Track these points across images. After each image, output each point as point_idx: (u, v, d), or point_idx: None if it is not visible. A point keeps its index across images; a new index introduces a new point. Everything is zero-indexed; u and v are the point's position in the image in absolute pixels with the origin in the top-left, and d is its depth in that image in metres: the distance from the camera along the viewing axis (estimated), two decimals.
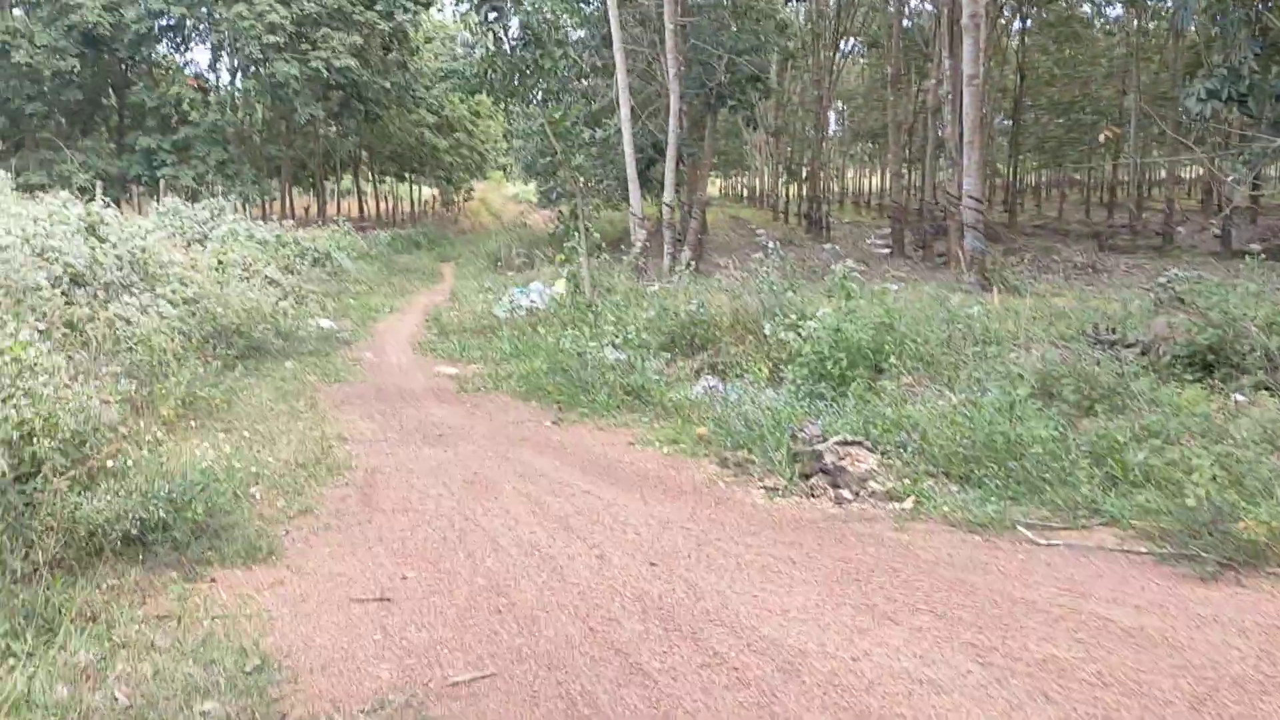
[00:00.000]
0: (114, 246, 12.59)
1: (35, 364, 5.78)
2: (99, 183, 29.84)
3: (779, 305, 12.71)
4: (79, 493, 5.40)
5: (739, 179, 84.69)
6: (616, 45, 21.24)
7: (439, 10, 49.90)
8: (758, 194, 77.65)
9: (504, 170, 51.99)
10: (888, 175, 79.39)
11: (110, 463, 5.68)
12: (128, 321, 10.97)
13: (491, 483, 7.45)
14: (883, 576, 5.32)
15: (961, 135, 20.25)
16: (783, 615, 4.80)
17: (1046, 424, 7.25)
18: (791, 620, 4.74)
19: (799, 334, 10.36)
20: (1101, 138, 21.79)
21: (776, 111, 56.29)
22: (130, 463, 5.88)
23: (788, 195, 65.59)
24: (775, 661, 4.28)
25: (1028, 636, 4.51)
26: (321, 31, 37.49)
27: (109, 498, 5.41)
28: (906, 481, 6.95)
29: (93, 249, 12.20)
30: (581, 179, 16.38)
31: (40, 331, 8.92)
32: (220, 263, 16.18)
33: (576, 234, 16.17)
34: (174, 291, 12.52)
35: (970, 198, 19.58)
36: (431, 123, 51.93)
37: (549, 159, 36.31)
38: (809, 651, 4.38)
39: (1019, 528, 6.08)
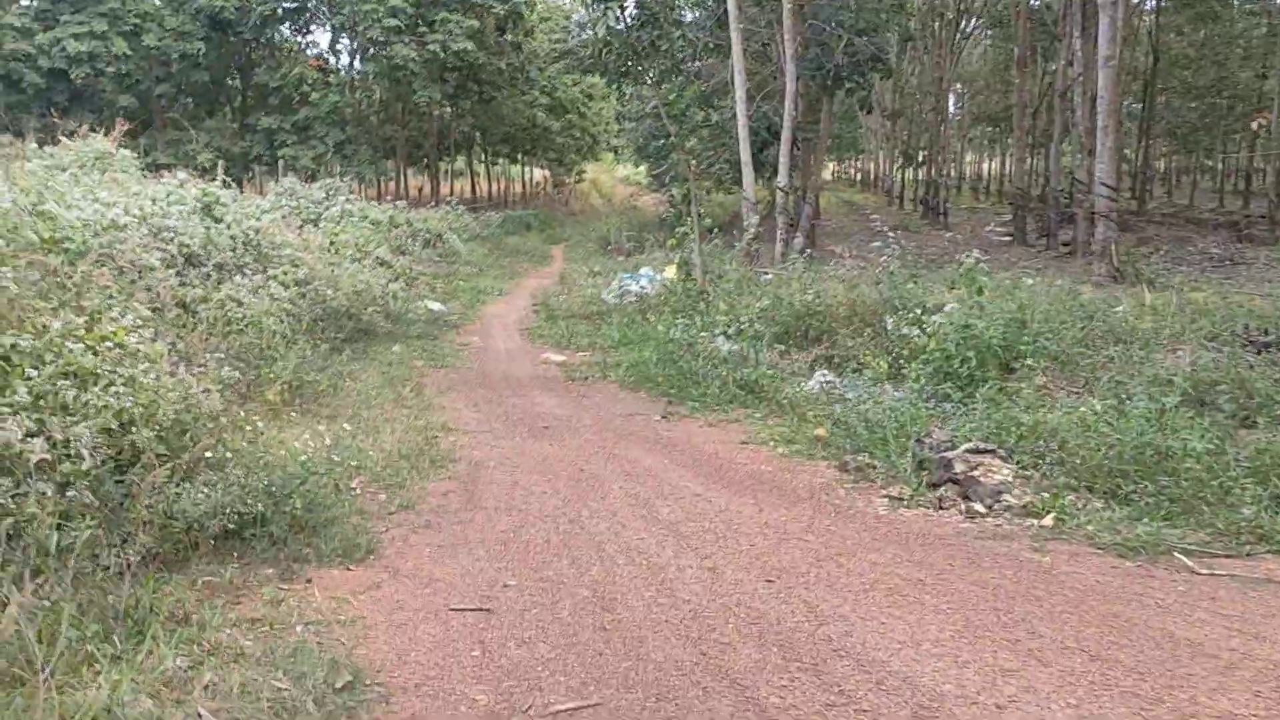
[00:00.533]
0: (228, 227, 12.66)
1: (137, 350, 5.65)
2: (220, 162, 30.72)
3: (899, 297, 12.13)
4: (178, 484, 5.25)
5: (853, 163, 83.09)
6: (733, 24, 20.66)
7: None
8: (872, 178, 76.08)
9: (615, 152, 51.65)
10: (1008, 160, 76.97)
11: (209, 454, 5.53)
12: (239, 303, 10.99)
13: (598, 481, 7.14)
14: (1025, 605, 4.81)
15: (1095, 119, 19.17)
16: (915, 648, 4.35)
17: (1202, 436, 6.60)
18: (925, 654, 4.29)
19: (923, 329, 9.79)
20: (1255, 125, 20.36)
21: (894, 94, 54.89)
22: (229, 453, 5.72)
23: (903, 180, 64.12)
24: (910, 706, 3.84)
25: (1197, 687, 3.98)
26: (440, 15, 37.72)
27: (207, 490, 5.25)
28: (1045, 496, 6.38)
29: (208, 229, 12.27)
30: (694, 162, 15.91)
31: (155, 310, 8.94)
32: (333, 244, 16.25)
33: (689, 219, 15.76)
34: (285, 273, 12.53)
35: (1103, 185, 18.53)
36: (544, 104, 52.00)
37: (662, 141, 36.13)
38: (946, 694, 3.92)
39: (1175, 554, 5.49)
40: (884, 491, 6.82)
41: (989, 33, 54.58)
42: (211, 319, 10.55)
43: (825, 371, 10.88)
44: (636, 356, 12.05)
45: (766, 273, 18.19)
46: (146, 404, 5.32)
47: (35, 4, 36.68)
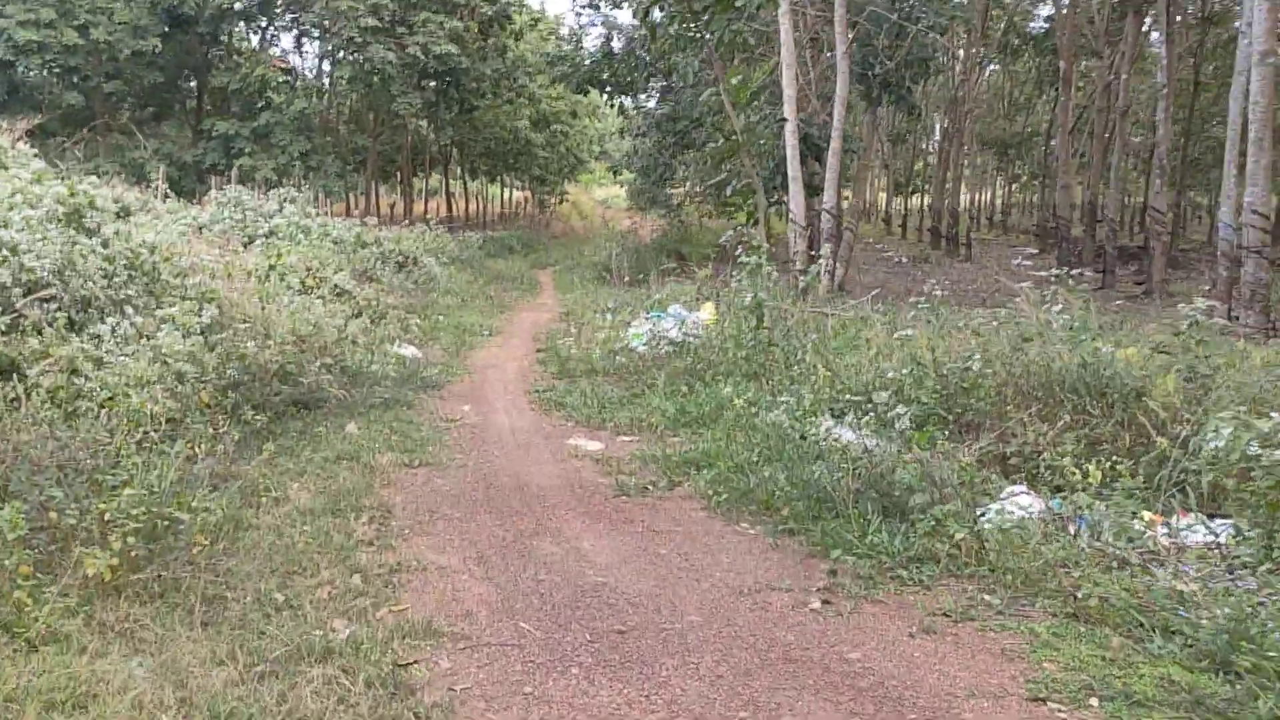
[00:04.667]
0: (104, 244, 8.48)
1: None
2: (162, 169, 26.48)
3: (1087, 363, 8.21)
4: None
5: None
6: (783, 9, 16.78)
7: None
8: (864, 206, 73.01)
9: (614, 172, 47.93)
10: (1009, 190, 73.82)
11: None
12: (98, 362, 6.83)
13: None
14: None
15: (1245, 133, 15.40)
16: None
17: None
18: None
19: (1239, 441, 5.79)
20: None
21: (899, 115, 51.48)
22: None
23: (906, 208, 60.95)
24: None
25: None
26: (421, 15, 33.78)
27: None
28: None
29: (71, 246, 8.10)
30: (756, 170, 11.98)
31: None
32: (273, 267, 12.11)
33: (754, 244, 11.80)
34: (186, 313, 8.39)
35: (1255, 213, 14.73)
36: (529, 116, 48.10)
37: (670, 157, 32.21)
38: None
39: None
40: None
41: (998, 57, 51.37)
42: (49, 390, 6.42)
43: (1020, 487, 6.94)
44: (712, 447, 7.99)
45: (827, 311, 14.31)
46: None
47: None
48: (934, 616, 4.94)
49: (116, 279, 8.38)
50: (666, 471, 7.72)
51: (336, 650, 4.25)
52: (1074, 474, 6.21)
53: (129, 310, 8.13)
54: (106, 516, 4.87)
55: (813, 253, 17.81)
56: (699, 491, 7.21)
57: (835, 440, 7.61)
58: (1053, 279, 28.07)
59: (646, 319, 15.23)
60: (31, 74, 32.34)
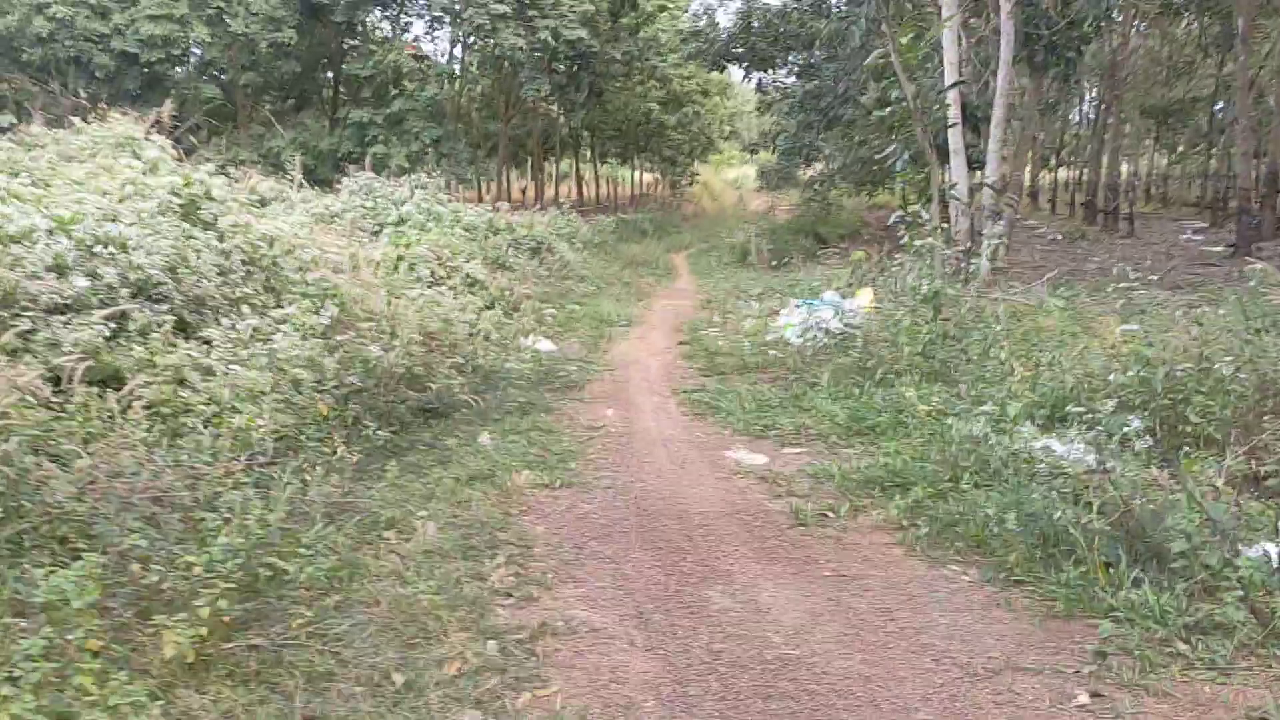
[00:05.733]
0: (220, 238, 7.77)
1: None
2: (297, 158, 26.40)
3: None
4: None
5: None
6: None
7: None
8: (1027, 181, 69.92)
9: (751, 150, 46.71)
10: (1163, 160, 69.49)
11: None
12: (207, 372, 6.06)
13: None
14: None
15: None
16: None
17: None
18: None
19: None
20: None
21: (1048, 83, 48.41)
22: None
23: (1054, 182, 57.81)
24: None
25: None
26: None
27: None
28: None
29: (185, 240, 7.40)
30: (929, 141, 10.67)
31: None
32: (400, 258, 11.38)
33: (925, 220, 10.51)
34: (305, 312, 7.61)
35: None
36: (659, 97, 47.06)
37: (815, 131, 30.71)
38: None
39: None
40: None
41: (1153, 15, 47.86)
42: (151, 403, 5.67)
43: None
44: (898, 464, 6.80)
45: (996, 298, 12.88)
46: None
47: None
48: None
49: (233, 276, 7.67)
50: (846, 493, 6.57)
51: None
52: None
53: (245, 310, 7.40)
54: (196, 571, 4.03)
55: (979, 232, 16.30)
56: (890, 520, 6.04)
57: (1051, 458, 6.36)
58: (1222, 255, 25.40)
59: (797, 307, 14.03)
60: (162, 67, 32.77)
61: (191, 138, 33.23)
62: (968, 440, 6.70)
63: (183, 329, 7.07)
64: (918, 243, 10.59)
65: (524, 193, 43.27)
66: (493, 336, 10.42)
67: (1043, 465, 6.13)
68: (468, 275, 13.40)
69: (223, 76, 35.30)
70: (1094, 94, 50.60)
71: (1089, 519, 5.22)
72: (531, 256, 18.83)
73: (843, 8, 26.05)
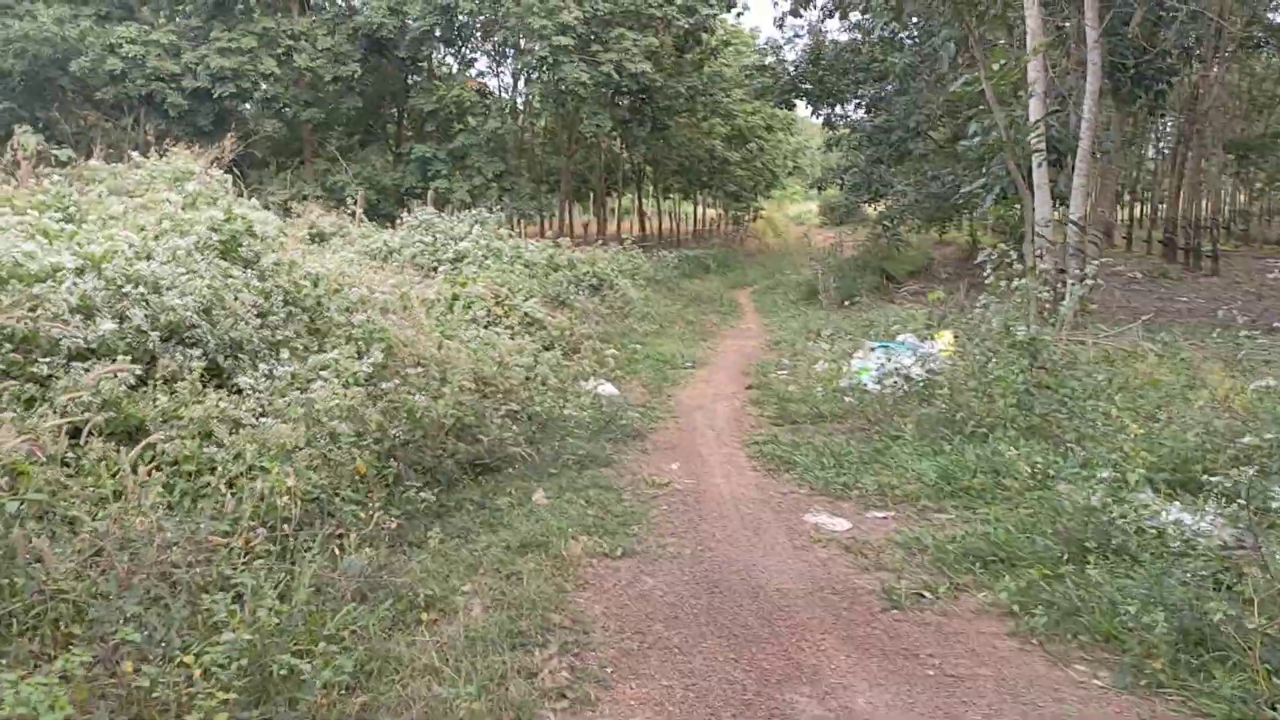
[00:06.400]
0: (260, 276, 7.27)
1: None
2: (361, 192, 26.27)
3: None
4: None
5: None
6: None
7: (738, 14, 44.24)
8: (1112, 218, 68.57)
9: (818, 186, 46.06)
10: (1245, 196, 67.41)
11: None
12: (236, 425, 5.52)
13: None
14: None
15: None
16: None
17: None
18: None
19: None
20: None
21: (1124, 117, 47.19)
22: None
23: (1132, 218, 56.41)
24: None
25: None
26: (616, 32, 32.71)
27: None
28: None
29: (223, 280, 6.90)
30: (1021, 173, 9.92)
31: None
32: (455, 297, 10.85)
33: (1016, 258, 9.72)
34: (350, 355, 7.06)
35: None
36: (723, 133, 46.63)
37: (883, 167, 29.92)
38: None
39: None
40: None
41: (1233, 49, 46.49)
42: (174, 461, 5.14)
43: None
44: (1001, 534, 6.02)
45: (1085, 342, 12.06)
46: None
47: (188, 22, 33.37)
48: None
49: (273, 318, 7.16)
50: (944, 568, 5.81)
51: None
52: None
53: (284, 355, 6.87)
54: (195, 674, 3.42)
55: (1062, 271, 15.42)
56: (998, 605, 5.27)
57: (1183, 532, 5.54)
58: None
59: (872, 350, 13.27)
60: (232, 104, 33.11)
61: (258, 173, 33.55)
62: (1083, 510, 5.91)
63: (217, 374, 6.56)
64: (1015, 283, 9.79)
65: (586, 228, 43.00)
66: (550, 381, 9.80)
67: (1177, 543, 5.32)
68: (526, 314, 12.85)
69: (288, 112, 35.48)
70: (1170, 128, 49.40)
71: (1243, 613, 4.42)
72: (593, 294, 18.27)
73: (915, 39, 25.32)
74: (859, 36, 28.21)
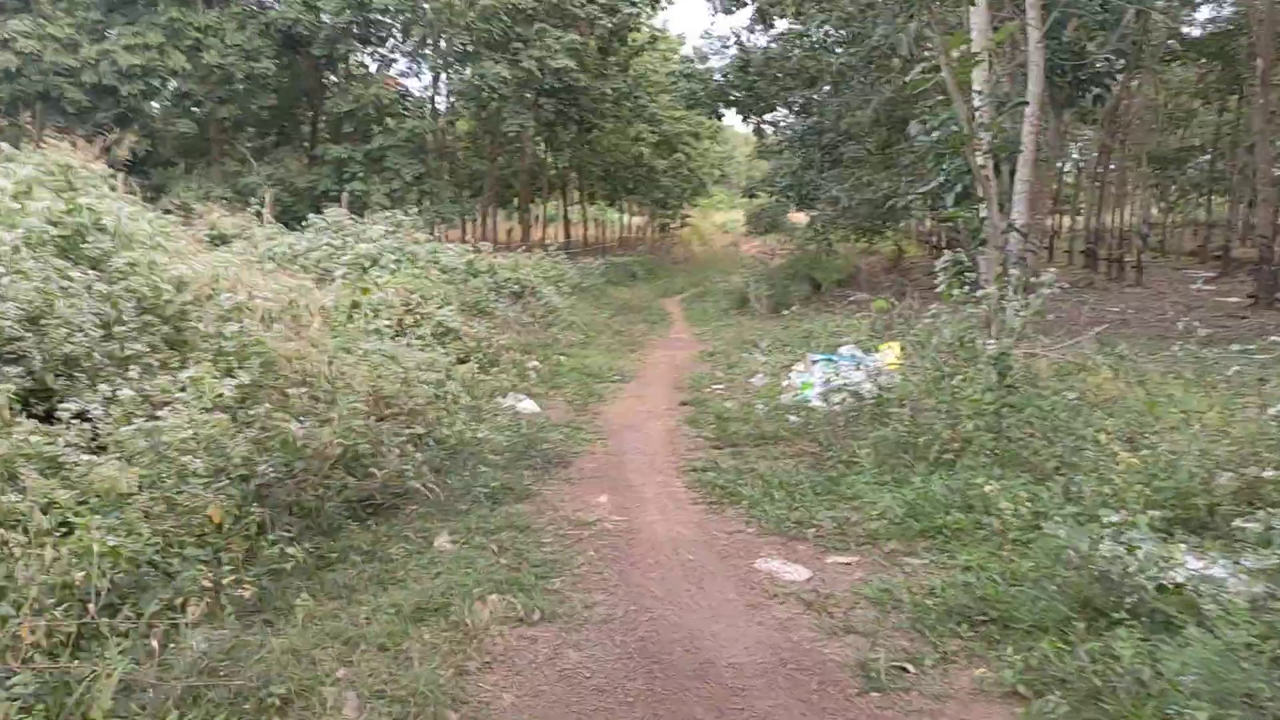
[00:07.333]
0: (110, 280, 6.05)
1: None
2: (268, 194, 24.85)
3: None
4: None
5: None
6: None
7: (662, 9, 43.39)
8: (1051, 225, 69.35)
9: (750, 194, 45.61)
10: (1161, 209, 68.83)
11: None
12: (52, 465, 4.33)
13: None
14: None
15: None
16: None
17: None
18: None
19: None
20: None
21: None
22: None
23: (1053, 228, 57.04)
24: None
25: None
26: (536, 27, 31.67)
27: None
28: None
29: (60, 283, 5.68)
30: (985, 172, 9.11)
31: None
32: (356, 305, 9.69)
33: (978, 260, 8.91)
34: (220, 374, 5.89)
35: None
36: (650, 140, 45.86)
37: (815, 170, 29.26)
38: None
39: None
40: None
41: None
42: None
43: None
44: (988, 588, 5.10)
45: (1040, 350, 11.32)
46: None
47: (86, 15, 31.41)
48: None
49: (121, 328, 5.95)
50: (925, 630, 4.86)
51: None
52: None
53: (133, 372, 5.67)
54: None
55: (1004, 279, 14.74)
56: (1000, 682, 4.32)
57: (1208, 587, 4.67)
58: (1239, 306, 23.83)
59: (814, 363, 12.39)
60: (142, 100, 31.29)
61: (165, 174, 31.75)
62: (1087, 559, 5.00)
63: (47, 397, 5.36)
64: (979, 293, 8.96)
65: (510, 234, 41.82)
66: (463, 399, 8.69)
67: (1209, 603, 4.43)
68: (440, 323, 11.72)
69: (198, 111, 33.70)
70: (1090, 139, 49.92)
71: None
72: (514, 301, 17.17)
73: (848, 40, 24.71)
74: (786, 45, 27.53)
